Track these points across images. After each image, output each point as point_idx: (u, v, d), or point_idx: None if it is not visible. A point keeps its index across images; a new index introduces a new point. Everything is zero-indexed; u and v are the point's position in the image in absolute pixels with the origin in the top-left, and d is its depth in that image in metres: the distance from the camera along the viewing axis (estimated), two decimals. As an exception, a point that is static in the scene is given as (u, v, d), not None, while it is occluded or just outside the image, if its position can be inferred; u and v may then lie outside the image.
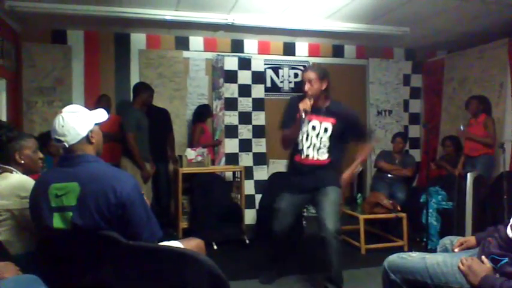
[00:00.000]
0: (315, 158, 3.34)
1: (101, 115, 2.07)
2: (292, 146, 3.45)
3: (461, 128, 5.21)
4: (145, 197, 2.04)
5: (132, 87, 5.15)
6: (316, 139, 3.32)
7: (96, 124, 2.03)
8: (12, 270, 1.88)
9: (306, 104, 3.13)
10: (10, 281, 1.77)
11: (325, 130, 3.32)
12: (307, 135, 3.34)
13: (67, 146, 1.95)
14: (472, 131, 5.19)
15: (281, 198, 3.53)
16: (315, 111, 3.27)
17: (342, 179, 3.37)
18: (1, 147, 2.35)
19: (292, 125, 3.32)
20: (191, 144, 5.59)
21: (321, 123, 3.33)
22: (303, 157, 3.37)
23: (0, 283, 1.72)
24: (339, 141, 3.36)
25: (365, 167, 6.62)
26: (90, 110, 2.08)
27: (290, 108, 3.40)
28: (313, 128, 3.34)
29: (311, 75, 3.27)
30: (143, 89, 4.93)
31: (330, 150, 3.33)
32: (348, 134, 3.39)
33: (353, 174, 3.51)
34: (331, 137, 3.32)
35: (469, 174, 4.56)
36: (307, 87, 3.25)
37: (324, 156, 3.33)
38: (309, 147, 3.35)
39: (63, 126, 1.93)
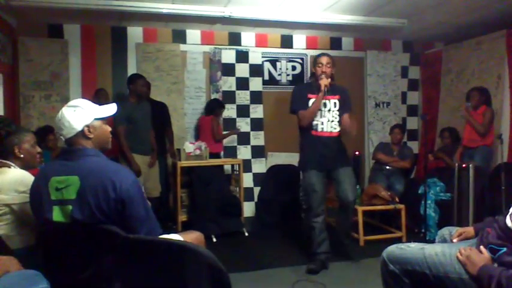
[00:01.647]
0: (329, 131, 3.87)
1: (105, 111, 2.06)
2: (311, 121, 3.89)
3: (468, 104, 5.17)
4: (153, 191, 2.03)
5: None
6: (328, 114, 3.86)
7: (98, 119, 2.02)
8: (16, 265, 1.88)
9: (325, 81, 3.75)
10: (13, 276, 1.77)
11: (335, 105, 3.89)
12: (321, 112, 3.85)
13: (63, 139, 1.98)
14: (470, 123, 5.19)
15: (310, 175, 3.88)
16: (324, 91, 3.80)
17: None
18: (0, 142, 2.34)
19: (304, 106, 3.87)
20: (213, 137, 5.62)
21: (329, 100, 3.87)
22: (319, 130, 3.86)
23: (3, 277, 1.72)
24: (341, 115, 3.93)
25: (363, 159, 6.64)
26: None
27: (299, 94, 3.98)
28: (324, 105, 3.85)
29: (328, 59, 3.86)
30: (134, 79, 4.78)
31: (339, 123, 3.89)
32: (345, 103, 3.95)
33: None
34: (339, 111, 3.89)
35: (470, 165, 4.57)
36: (325, 68, 3.81)
37: (336, 129, 3.88)
38: (323, 123, 3.85)
39: (60, 119, 1.97)
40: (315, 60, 3.92)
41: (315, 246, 3.88)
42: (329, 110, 3.86)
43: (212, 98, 6.04)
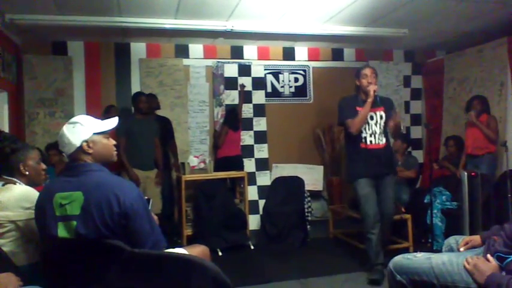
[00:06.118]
0: (377, 143, 3.93)
1: (104, 125, 2.07)
2: (361, 128, 3.93)
3: (472, 112, 5.13)
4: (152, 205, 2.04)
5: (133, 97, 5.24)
6: (375, 127, 3.93)
7: (97, 133, 2.03)
8: (14, 282, 1.87)
9: (375, 87, 3.83)
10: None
11: (381, 117, 3.95)
12: (368, 125, 3.92)
13: (65, 156, 2.01)
14: (472, 130, 5.16)
15: (362, 185, 3.93)
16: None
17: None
18: (5, 159, 2.35)
19: (352, 116, 3.89)
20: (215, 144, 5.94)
21: (375, 113, 3.94)
22: (368, 143, 3.91)
23: None
24: (386, 126, 4.01)
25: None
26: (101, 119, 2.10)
27: (346, 106, 4.01)
28: (371, 117, 3.93)
29: (373, 70, 3.95)
30: (135, 96, 5.16)
31: (386, 135, 3.98)
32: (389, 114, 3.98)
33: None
34: (385, 122, 3.96)
35: (479, 174, 4.54)
36: (371, 79, 3.87)
37: (383, 140, 3.95)
38: (371, 135, 3.92)
39: (60, 137, 2.00)
40: (359, 73, 3.97)
41: (373, 257, 3.86)
42: (376, 123, 3.93)
43: (230, 107, 6.09)
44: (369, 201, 3.87)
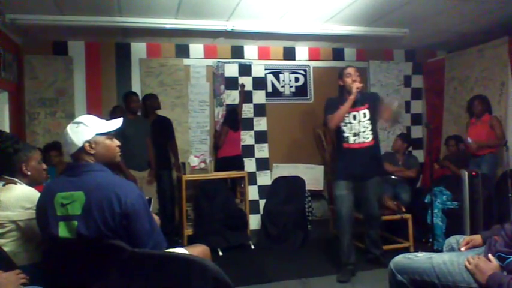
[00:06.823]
0: (361, 141, 3.88)
1: (107, 126, 2.07)
2: (339, 124, 3.91)
3: (469, 141, 5.08)
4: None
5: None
6: (359, 126, 3.88)
7: (100, 134, 2.03)
8: (14, 281, 1.87)
9: (358, 84, 3.80)
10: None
11: (364, 115, 3.89)
12: (351, 124, 3.89)
13: (68, 155, 2.02)
14: (474, 130, 5.15)
15: (339, 185, 3.94)
16: (352, 104, 3.85)
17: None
18: (7, 159, 2.35)
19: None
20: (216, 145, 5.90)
21: (358, 112, 3.89)
22: (350, 142, 3.89)
23: None
24: (374, 124, 3.94)
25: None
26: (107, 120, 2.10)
27: (331, 104, 3.99)
28: (354, 117, 3.90)
29: (356, 70, 3.96)
30: (127, 96, 5.11)
31: (372, 132, 3.90)
32: (376, 110, 3.92)
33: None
34: (370, 120, 3.89)
35: (480, 173, 4.54)
36: (355, 77, 3.87)
37: (368, 138, 3.88)
38: (354, 135, 3.89)
39: (63, 136, 2.01)
40: (342, 73, 3.97)
41: (344, 258, 3.92)
42: (359, 122, 3.89)
43: (230, 107, 6.04)
44: (343, 203, 3.89)
